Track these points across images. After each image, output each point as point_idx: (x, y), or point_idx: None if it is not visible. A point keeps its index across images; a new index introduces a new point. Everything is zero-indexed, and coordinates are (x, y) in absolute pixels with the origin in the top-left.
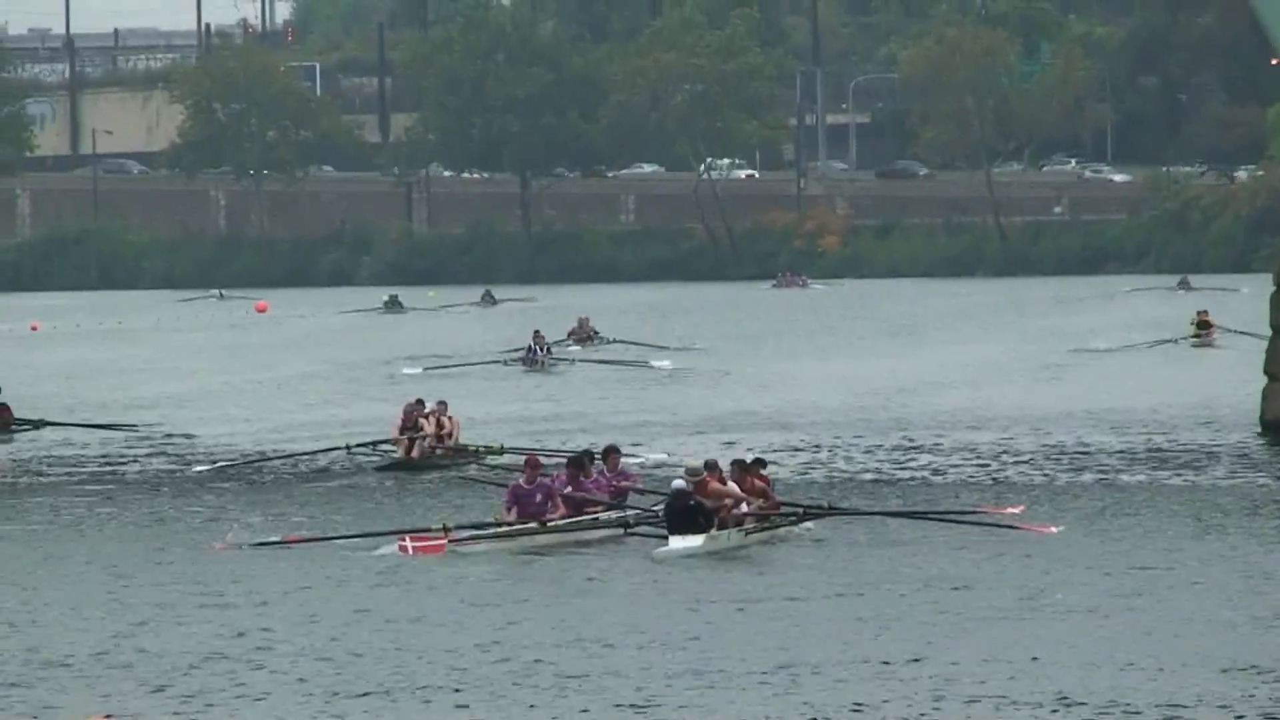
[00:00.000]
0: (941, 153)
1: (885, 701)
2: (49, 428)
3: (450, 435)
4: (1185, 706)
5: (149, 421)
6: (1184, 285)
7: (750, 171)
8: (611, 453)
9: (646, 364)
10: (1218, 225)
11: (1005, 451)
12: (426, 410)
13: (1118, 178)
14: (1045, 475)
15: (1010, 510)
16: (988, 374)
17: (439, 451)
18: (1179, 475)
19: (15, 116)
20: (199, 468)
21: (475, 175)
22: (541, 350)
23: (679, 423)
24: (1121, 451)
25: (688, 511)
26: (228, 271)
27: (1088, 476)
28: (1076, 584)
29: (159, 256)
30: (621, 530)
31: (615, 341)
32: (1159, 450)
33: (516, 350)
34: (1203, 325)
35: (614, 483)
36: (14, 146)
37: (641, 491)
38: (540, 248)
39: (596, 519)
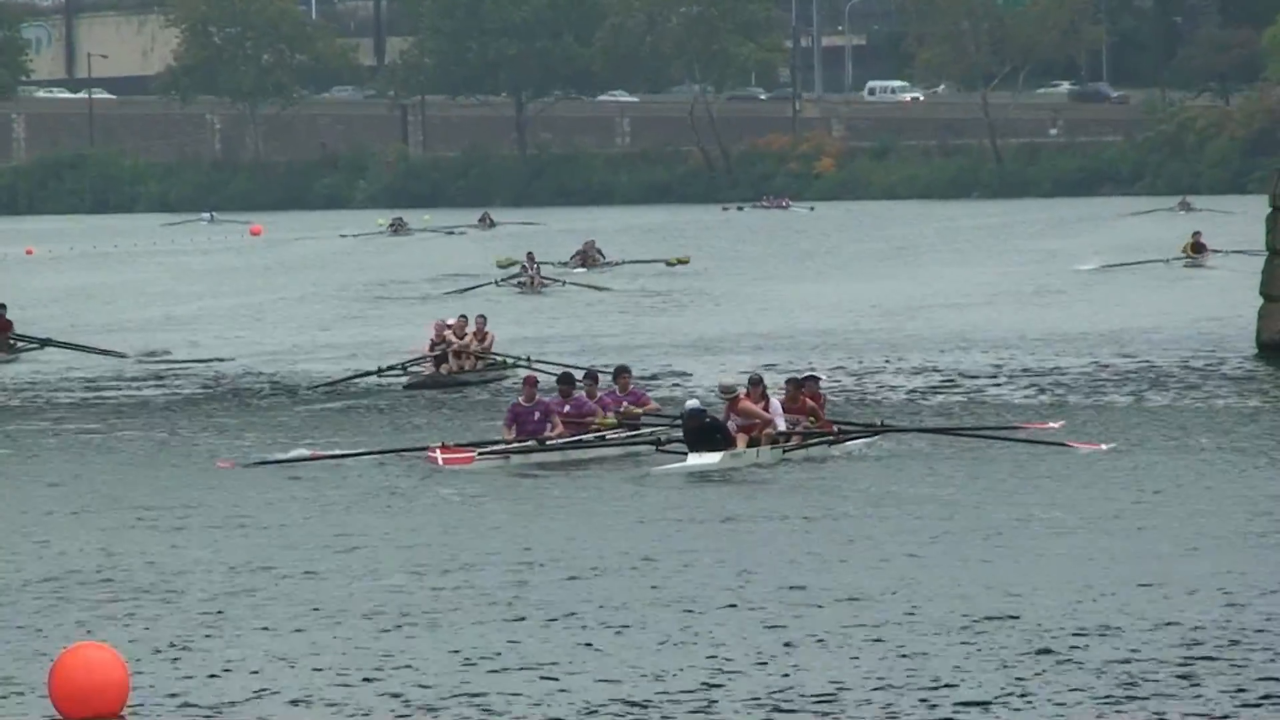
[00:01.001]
0: (937, 74)
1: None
2: (52, 348)
3: (488, 346)
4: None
5: (157, 346)
6: (1184, 206)
7: (758, 92)
8: (622, 373)
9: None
10: (1213, 147)
11: (1011, 372)
12: (453, 324)
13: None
14: (1054, 396)
15: (1053, 426)
16: (987, 295)
17: (467, 366)
18: (1182, 396)
19: (11, 41)
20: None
21: (471, 99)
22: (534, 269)
23: (672, 344)
24: (1123, 373)
25: (703, 429)
26: (223, 195)
27: (1094, 398)
28: (1121, 500)
29: (154, 181)
30: (654, 447)
31: (622, 263)
32: (1158, 372)
33: (511, 272)
34: (1196, 247)
35: (624, 403)
36: (10, 70)
37: (655, 412)
38: (535, 171)
39: (635, 434)
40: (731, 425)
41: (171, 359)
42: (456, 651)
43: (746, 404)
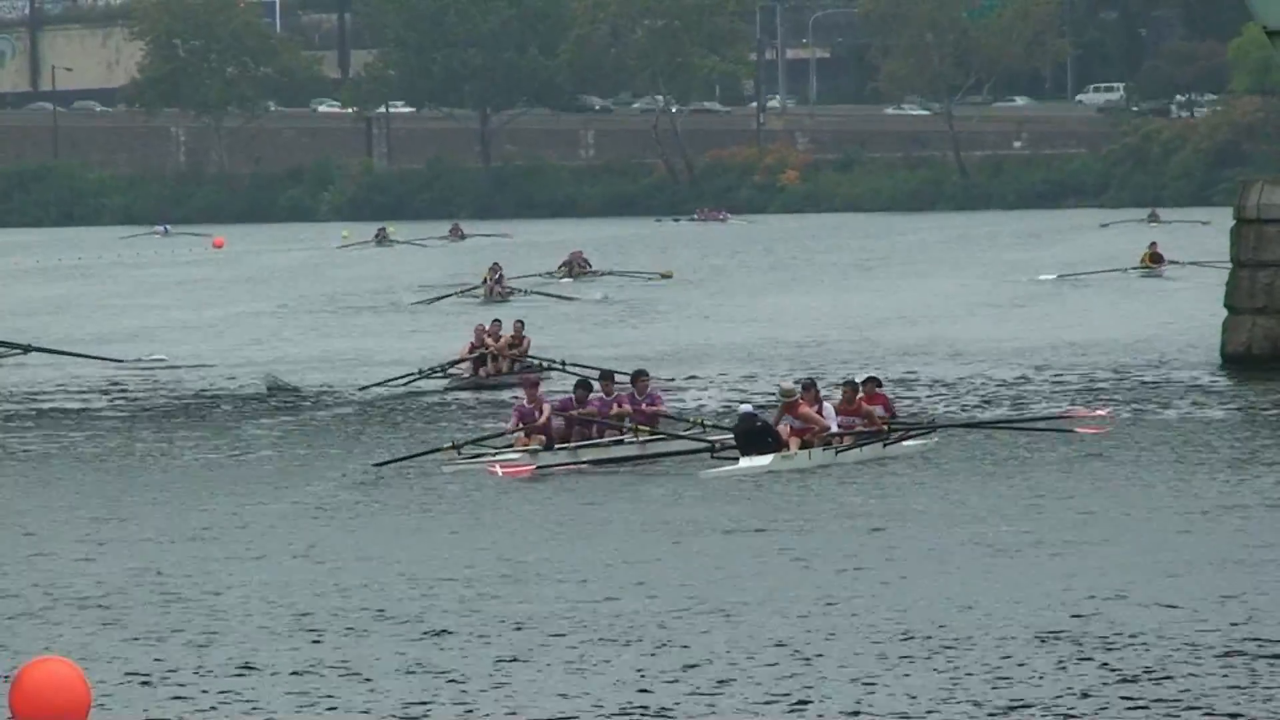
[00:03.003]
0: (901, 87)
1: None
2: (35, 353)
3: (524, 350)
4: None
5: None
6: (1153, 219)
7: (722, 106)
8: (639, 376)
9: (601, 297)
10: (1178, 159)
11: (996, 379)
12: (495, 329)
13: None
14: (1025, 403)
15: (1100, 413)
16: (956, 306)
17: (505, 369)
18: (1155, 410)
19: None
20: (268, 388)
21: (435, 111)
22: (494, 279)
23: (665, 354)
24: (1090, 385)
25: (755, 433)
26: (188, 208)
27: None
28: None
29: (119, 193)
30: (708, 453)
31: (609, 274)
32: (1125, 384)
33: (473, 285)
34: (1154, 258)
35: (642, 406)
36: None
37: (671, 417)
38: (500, 183)
39: (679, 436)
40: (784, 428)
41: (164, 363)
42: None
43: (804, 408)
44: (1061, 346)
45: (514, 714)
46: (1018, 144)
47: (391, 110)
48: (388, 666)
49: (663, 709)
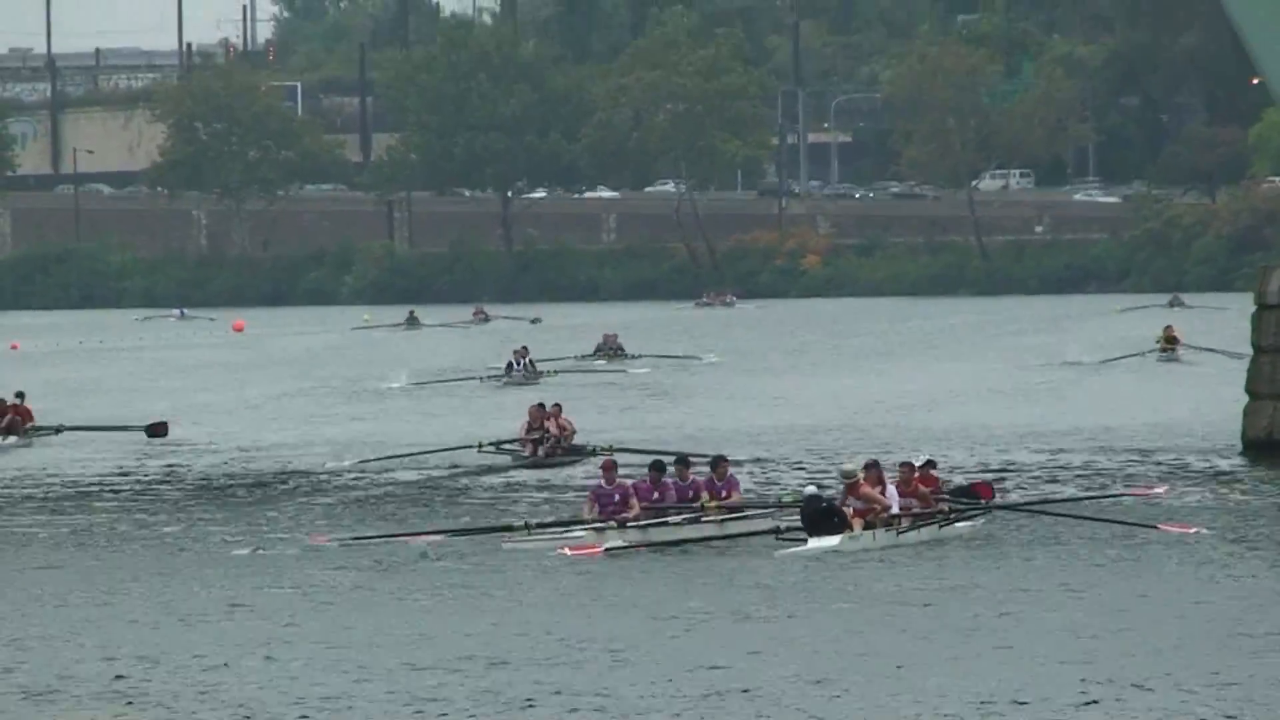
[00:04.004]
0: (923, 172)
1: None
2: (67, 431)
3: (569, 435)
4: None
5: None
6: (1175, 303)
7: (744, 194)
8: (720, 462)
9: (624, 371)
10: (1199, 244)
11: (1035, 463)
12: (555, 411)
13: (1102, 199)
14: (1044, 491)
15: (1157, 490)
16: (971, 391)
17: (559, 451)
18: (1181, 496)
19: None
20: (331, 465)
21: (457, 195)
22: (520, 366)
23: (676, 437)
24: (1115, 470)
25: (821, 514)
26: (208, 290)
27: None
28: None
29: (140, 276)
30: (773, 536)
31: (642, 356)
32: (1146, 469)
33: (497, 367)
34: (1170, 340)
35: (723, 490)
36: None
37: (744, 505)
38: (522, 266)
39: (745, 518)
40: (847, 510)
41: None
42: None
43: (866, 489)
44: (1085, 430)
45: None
46: (1039, 229)
47: (413, 194)
48: None
49: None
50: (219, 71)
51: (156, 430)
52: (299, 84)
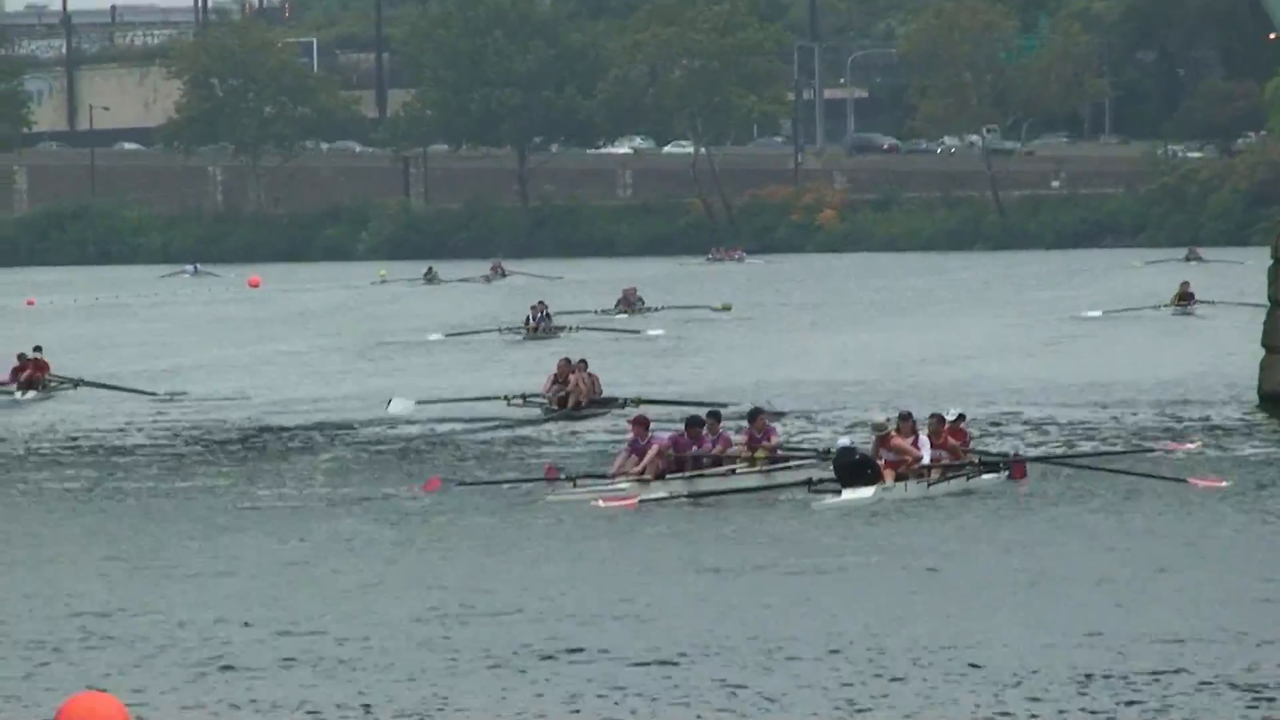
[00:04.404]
0: (939, 127)
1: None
2: (85, 387)
3: (596, 389)
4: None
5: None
6: (1192, 257)
7: (762, 143)
8: (758, 414)
9: (641, 332)
10: (1216, 199)
11: (1049, 419)
12: (580, 366)
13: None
14: (1066, 445)
15: (1190, 446)
16: (996, 345)
17: (584, 404)
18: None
19: (13, 93)
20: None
21: (473, 151)
22: (539, 318)
23: (701, 391)
24: (1130, 425)
25: (855, 466)
26: (224, 247)
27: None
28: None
29: (156, 233)
30: (806, 487)
31: (663, 309)
32: (1165, 424)
33: (514, 321)
34: (1183, 296)
35: (762, 441)
36: (11, 123)
37: (787, 453)
38: (538, 223)
39: (781, 469)
40: (880, 461)
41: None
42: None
43: (898, 440)
44: (1101, 385)
45: None
46: (1056, 184)
47: (428, 150)
48: (451, 701)
49: None
50: (235, 28)
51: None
52: (314, 40)
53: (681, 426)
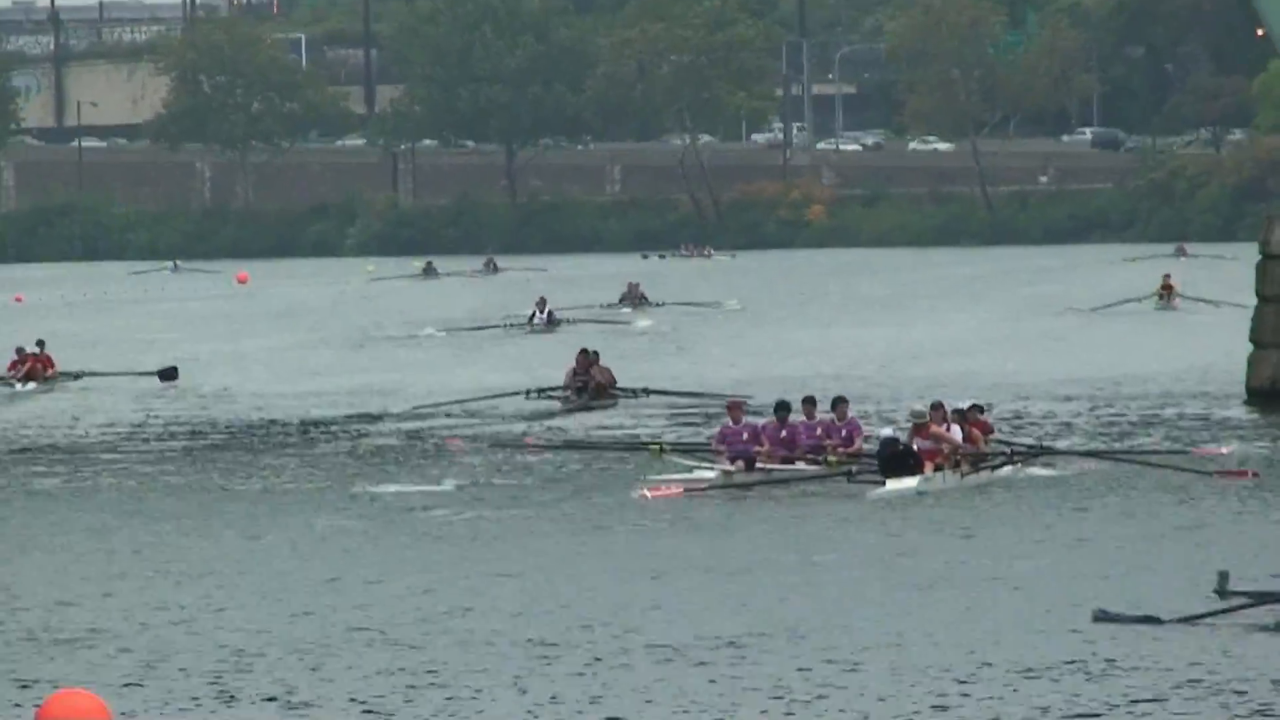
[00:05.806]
0: (927, 123)
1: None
2: (89, 377)
3: (611, 380)
4: None
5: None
6: (1180, 253)
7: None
8: (840, 403)
9: (630, 324)
10: (1204, 194)
11: (1026, 413)
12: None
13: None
14: (1056, 440)
15: (1223, 451)
16: (984, 340)
17: (603, 395)
18: (1183, 445)
19: (0, 89)
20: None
21: (461, 147)
22: (542, 314)
23: (713, 382)
24: (1119, 420)
25: (898, 456)
26: (212, 243)
27: (1094, 444)
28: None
29: (144, 229)
30: (844, 479)
31: (665, 304)
32: (1152, 418)
33: (518, 316)
34: (1166, 290)
35: (843, 430)
36: None
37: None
38: (526, 218)
39: (820, 463)
40: (916, 449)
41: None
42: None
43: (935, 428)
44: (1090, 380)
45: None
46: (1043, 179)
47: (417, 145)
48: (447, 691)
49: None
50: (222, 24)
51: (167, 375)
52: (303, 36)
53: (771, 413)
